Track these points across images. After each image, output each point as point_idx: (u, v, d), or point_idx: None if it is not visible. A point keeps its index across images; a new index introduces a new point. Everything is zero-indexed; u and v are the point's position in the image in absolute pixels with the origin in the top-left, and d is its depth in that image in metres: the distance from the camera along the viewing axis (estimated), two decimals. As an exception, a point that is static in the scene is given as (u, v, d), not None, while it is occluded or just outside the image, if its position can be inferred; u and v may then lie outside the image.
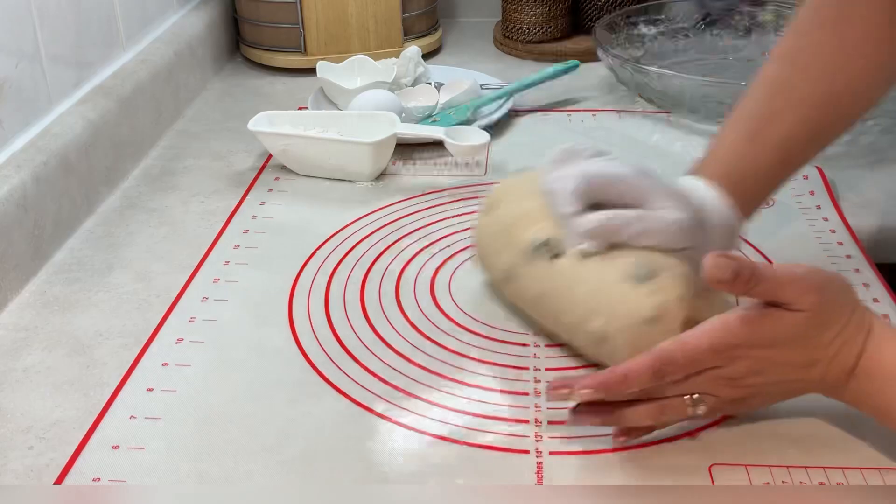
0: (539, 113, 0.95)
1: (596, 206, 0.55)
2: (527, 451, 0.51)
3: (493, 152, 0.87)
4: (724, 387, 0.49)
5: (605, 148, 0.59)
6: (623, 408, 0.49)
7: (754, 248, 0.69)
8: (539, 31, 1.10)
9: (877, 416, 0.49)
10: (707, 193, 0.56)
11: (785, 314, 0.47)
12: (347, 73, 0.96)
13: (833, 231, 0.71)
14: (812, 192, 0.77)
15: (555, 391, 0.49)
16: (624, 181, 0.55)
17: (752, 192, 0.58)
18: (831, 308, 0.47)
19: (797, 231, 0.72)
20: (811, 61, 0.58)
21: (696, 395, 0.49)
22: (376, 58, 0.99)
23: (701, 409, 0.49)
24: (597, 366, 0.55)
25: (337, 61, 0.97)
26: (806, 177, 0.79)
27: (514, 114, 0.94)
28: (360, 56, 0.99)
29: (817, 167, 0.80)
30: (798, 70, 0.59)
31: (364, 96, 0.89)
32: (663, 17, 1.07)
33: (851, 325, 0.48)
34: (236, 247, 0.72)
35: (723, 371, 0.48)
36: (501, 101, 0.93)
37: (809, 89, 0.58)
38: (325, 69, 0.95)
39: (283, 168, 0.84)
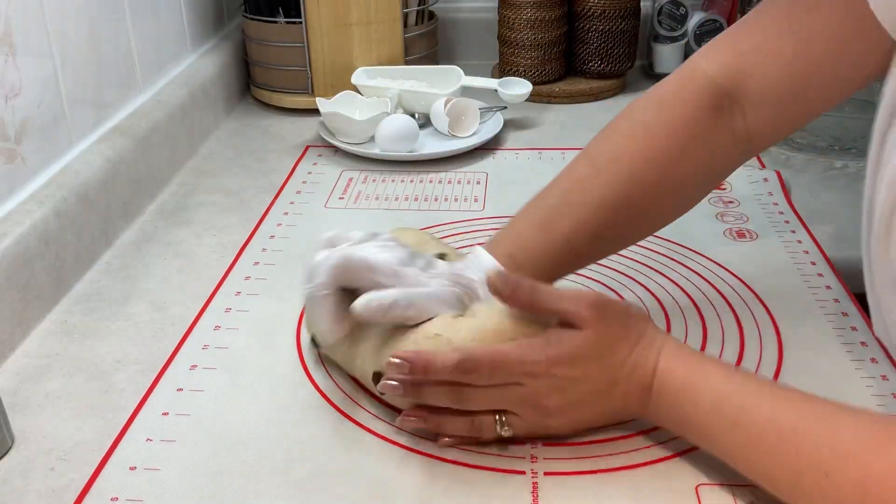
0: (534, 151, 0.98)
1: (354, 290, 0.55)
2: (522, 472, 0.53)
3: (490, 189, 0.90)
4: (527, 407, 0.52)
5: (378, 232, 0.59)
6: (444, 416, 0.53)
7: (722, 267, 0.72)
8: (535, 73, 1.14)
9: (675, 429, 0.52)
10: (488, 263, 0.57)
11: (576, 332, 0.51)
12: (348, 107, 1.00)
13: (800, 242, 0.76)
14: (775, 204, 0.81)
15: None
16: (379, 269, 0.55)
17: (536, 274, 0.57)
18: (615, 328, 0.51)
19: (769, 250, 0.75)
20: (611, 167, 0.59)
21: (503, 417, 0.53)
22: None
23: (506, 431, 0.53)
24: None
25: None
26: (766, 179, 0.85)
27: (509, 152, 0.96)
28: (348, 92, 1.02)
29: (776, 171, 0.86)
30: (597, 173, 0.59)
31: (389, 121, 0.94)
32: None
33: (642, 345, 0.52)
34: (247, 278, 0.74)
35: (524, 390, 0.52)
36: (493, 113, 1.02)
37: (603, 193, 0.59)
38: (325, 104, 0.99)
39: (292, 203, 0.87)
